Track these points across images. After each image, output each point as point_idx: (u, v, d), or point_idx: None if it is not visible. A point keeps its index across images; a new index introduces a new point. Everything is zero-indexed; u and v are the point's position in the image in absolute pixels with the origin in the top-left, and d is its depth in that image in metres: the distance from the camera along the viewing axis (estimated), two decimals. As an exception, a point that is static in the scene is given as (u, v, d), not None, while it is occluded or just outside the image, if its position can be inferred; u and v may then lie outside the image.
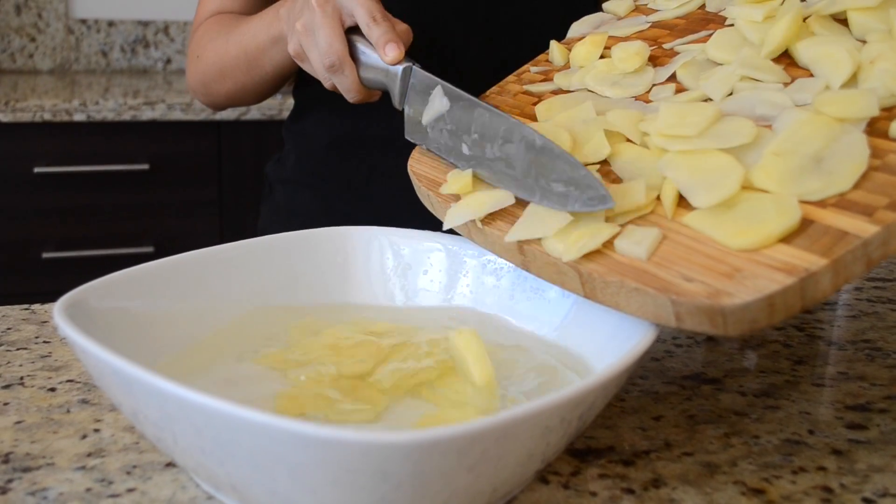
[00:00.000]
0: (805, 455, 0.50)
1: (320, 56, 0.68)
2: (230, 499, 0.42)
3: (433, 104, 0.62)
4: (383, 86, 0.68)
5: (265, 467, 0.36)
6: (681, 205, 0.48)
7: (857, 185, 0.45)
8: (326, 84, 0.70)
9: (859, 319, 0.73)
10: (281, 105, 1.97)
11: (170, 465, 0.47)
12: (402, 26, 0.69)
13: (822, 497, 0.46)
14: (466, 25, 0.86)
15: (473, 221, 0.55)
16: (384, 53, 0.65)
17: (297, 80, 0.97)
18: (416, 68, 0.65)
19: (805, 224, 0.44)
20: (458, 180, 0.58)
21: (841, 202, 0.44)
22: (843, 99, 0.47)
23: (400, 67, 0.65)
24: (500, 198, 0.54)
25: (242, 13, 0.91)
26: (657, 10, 0.69)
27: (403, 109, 0.66)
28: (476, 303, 0.58)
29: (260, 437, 0.35)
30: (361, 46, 0.68)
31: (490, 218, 0.54)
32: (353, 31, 0.68)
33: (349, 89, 0.69)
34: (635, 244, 0.46)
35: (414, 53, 0.86)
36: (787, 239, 0.43)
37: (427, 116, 0.63)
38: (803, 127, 0.47)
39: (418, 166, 0.63)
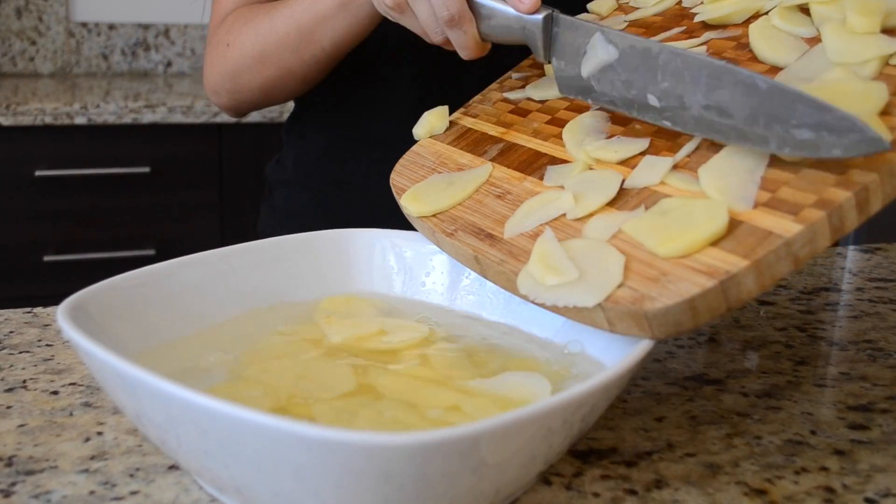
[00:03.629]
0: (807, 455, 0.50)
1: (434, 8, 0.61)
2: (234, 501, 0.42)
3: (595, 54, 0.55)
4: (514, 39, 0.60)
5: (269, 469, 0.36)
6: (613, 206, 0.51)
7: (789, 183, 0.45)
8: (435, 39, 0.64)
9: (861, 320, 0.73)
10: (281, 108, 1.97)
11: (173, 467, 0.47)
12: None
13: (825, 497, 0.46)
14: None
15: (439, 233, 0.56)
16: (520, 1, 0.58)
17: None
18: (559, 15, 0.58)
19: (734, 225, 0.44)
20: (427, 121, 0.62)
21: (772, 201, 0.45)
22: None
23: (540, 17, 0.58)
24: None
25: (266, 1, 0.85)
26: (637, 9, 0.69)
27: (551, 63, 0.59)
28: (479, 305, 0.58)
29: (264, 438, 0.35)
30: None
31: (453, 228, 0.56)
32: None
33: (466, 46, 0.63)
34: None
35: (411, 56, 0.87)
36: (715, 241, 0.44)
37: (588, 68, 0.56)
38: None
39: (399, 179, 0.63)
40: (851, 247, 0.95)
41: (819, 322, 0.72)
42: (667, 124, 0.52)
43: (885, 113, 0.45)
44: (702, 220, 0.45)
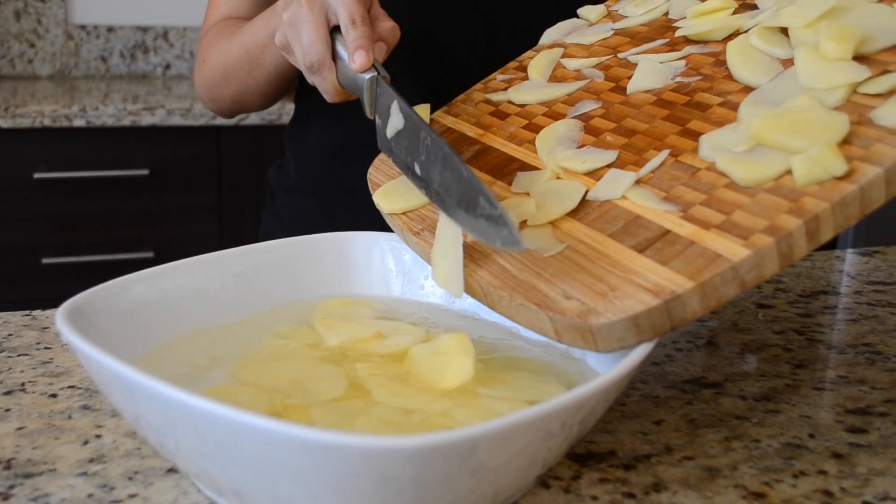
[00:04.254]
0: (805, 459, 0.50)
1: (302, 53, 0.66)
2: (232, 504, 0.42)
3: (392, 119, 0.61)
4: (356, 92, 0.66)
5: (267, 472, 0.36)
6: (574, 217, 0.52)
7: (743, 207, 0.45)
8: (308, 80, 0.69)
9: (859, 323, 0.73)
10: (280, 110, 1.97)
11: (172, 470, 0.47)
12: (387, 24, 0.67)
13: (823, 501, 0.46)
14: (465, 29, 0.86)
15: (406, 231, 0.57)
16: (352, 60, 0.63)
17: (298, 86, 0.97)
18: (381, 80, 0.63)
19: (686, 245, 0.45)
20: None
21: (724, 224, 0.45)
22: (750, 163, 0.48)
23: (366, 76, 0.63)
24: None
25: (250, 18, 0.91)
26: (626, 17, 0.69)
27: (375, 118, 0.64)
28: (478, 306, 0.58)
29: (262, 442, 0.35)
30: (341, 49, 0.66)
31: (420, 228, 0.57)
32: (338, 30, 0.66)
33: (326, 90, 0.68)
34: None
35: (413, 56, 0.87)
36: (664, 259, 0.45)
37: (389, 131, 0.62)
38: None
39: (375, 174, 0.64)
40: (850, 250, 0.96)
41: (817, 325, 0.73)
42: (423, 193, 0.57)
43: (846, 143, 0.45)
44: (449, 373, 0.48)
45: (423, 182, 0.57)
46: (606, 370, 0.49)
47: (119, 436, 0.51)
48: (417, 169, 0.58)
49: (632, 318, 0.43)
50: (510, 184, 0.56)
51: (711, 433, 0.53)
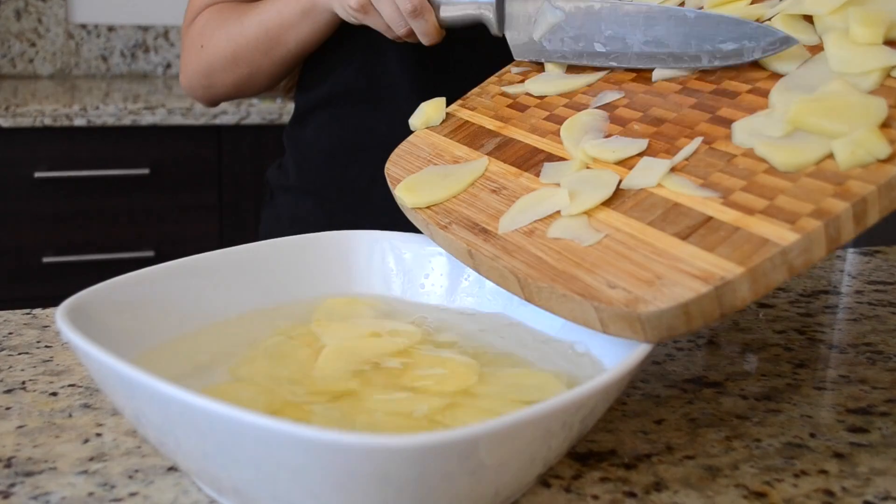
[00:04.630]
0: (806, 458, 0.50)
1: (397, 3, 0.70)
2: (232, 502, 0.42)
3: (544, 18, 0.65)
4: (469, 21, 0.70)
5: (268, 471, 0.36)
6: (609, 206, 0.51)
7: (786, 191, 0.45)
8: (399, 31, 0.72)
9: (860, 323, 0.73)
10: (281, 109, 1.97)
11: (172, 469, 0.47)
12: None
13: (824, 500, 0.46)
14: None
15: (433, 225, 0.56)
16: None
17: (299, 84, 0.97)
18: None
19: (730, 231, 0.44)
20: (424, 111, 0.65)
21: (769, 209, 0.45)
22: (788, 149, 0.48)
23: None
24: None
25: (240, 1, 0.91)
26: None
27: (504, 36, 0.69)
28: (478, 306, 0.58)
29: (262, 440, 0.35)
30: None
31: (447, 221, 0.56)
32: None
33: (427, 32, 0.72)
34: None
35: (417, 63, 0.87)
36: (710, 245, 0.44)
37: (539, 31, 0.65)
38: None
39: (394, 169, 0.63)
40: (851, 250, 0.96)
41: (818, 325, 0.72)
42: (612, 64, 0.62)
43: (884, 126, 0.46)
44: (450, 374, 0.49)
45: (612, 55, 0.61)
46: (610, 363, 0.49)
47: (119, 434, 0.51)
48: (600, 46, 0.62)
49: (682, 306, 0.42)
50: (538, 175, 0.56)
51: (712, 432, 0.53)
